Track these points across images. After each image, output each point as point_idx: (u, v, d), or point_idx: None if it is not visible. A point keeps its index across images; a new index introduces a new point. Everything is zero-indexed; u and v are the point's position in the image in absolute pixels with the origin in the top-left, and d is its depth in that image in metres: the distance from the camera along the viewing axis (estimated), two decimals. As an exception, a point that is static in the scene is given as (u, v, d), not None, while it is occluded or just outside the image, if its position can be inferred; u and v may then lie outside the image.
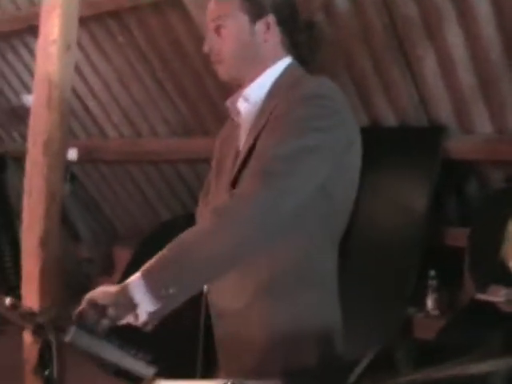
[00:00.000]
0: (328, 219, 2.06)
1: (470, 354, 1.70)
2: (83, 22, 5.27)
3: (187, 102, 5.58)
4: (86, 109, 6.30)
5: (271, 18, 2.16)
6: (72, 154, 5.94)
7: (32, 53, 5.78)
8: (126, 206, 6.80)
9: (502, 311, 3.54)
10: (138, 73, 5.67)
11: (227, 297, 2.12)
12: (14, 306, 1.84)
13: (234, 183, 2.03)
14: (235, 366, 2.13)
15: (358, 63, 4.42)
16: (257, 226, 1.88)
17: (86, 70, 5.97)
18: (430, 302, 4.42)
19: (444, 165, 4.40)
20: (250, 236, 1.89)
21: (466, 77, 4.11)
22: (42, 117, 3.75)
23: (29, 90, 6.06)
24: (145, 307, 1.83)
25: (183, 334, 3.19)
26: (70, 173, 6.33)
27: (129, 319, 1.90)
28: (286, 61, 2.20)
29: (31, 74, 4.41)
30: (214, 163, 2.35)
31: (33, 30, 4.37)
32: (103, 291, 1.88)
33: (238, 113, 2.24)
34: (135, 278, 1.84)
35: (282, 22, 2.19)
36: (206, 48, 2.23)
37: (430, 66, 4.18)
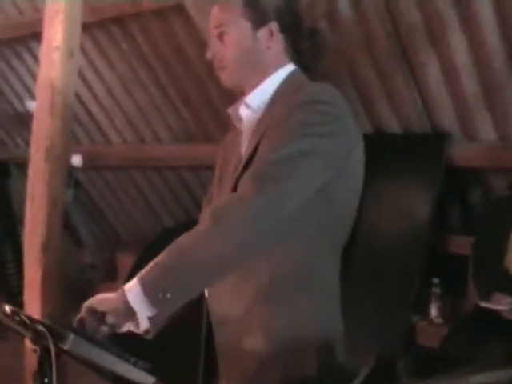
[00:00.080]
0: (329, 225, 2.05)
1: (473, 364, 1.69)
2: (87, 28, 5.29)
3: (190, 109, 5.57)
4: (90, 115, 6.30)
5: (274, 25, 2.16)
6: (76, 160, 5.95)
7: (36, 59, 5.79)
8: (129, 212, 6.80)
9: (505, 319, 3.52)
10: (142, 79, 5.67)
11: (227, 303, 2.11)
12: (14, 313, 1.83)
13: (235, 189, 2.02)
14: (235, 373, 2.13)
15: (361, 70, 4.41)
16: (252, 228, 1.87)
17: (90, 76, 5.97)
18: (433, 310, 4.40)
19: (447, 172, 4.39)
20: (245, 239, 1.88)
21: (469, 84, 4.10)
22: (45, 123, 3.75)
23: (33, 96, 6.06)
24: (143, 313, 1.83)
25: (184, 342, 3.19)
26: (73, 179, 6.35)
27: (129, 326, 1.89)
28: (288, 68, 2.20)
29: (35, 79, 4.41)
30: (216, 170, 2.34)
31: (37, 36, 4.37)
32: (102, 298, 1.88)
33: (239, 119, 2.23)
34: (132, 284, 1.84)
35: (285, 29, 2.18)
36: (208, 55, 2.23)
37: (433, 73, 4.17)
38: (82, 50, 5.60)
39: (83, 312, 1.86)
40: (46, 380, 1.74)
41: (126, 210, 6.81)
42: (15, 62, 6.49)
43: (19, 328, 1.83)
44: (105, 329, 1.83)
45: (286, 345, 2.02)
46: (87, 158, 6.10)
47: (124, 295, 1.84)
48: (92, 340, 1.76)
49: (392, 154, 4.56)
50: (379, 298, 4.29)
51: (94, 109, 6.23)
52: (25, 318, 1.77)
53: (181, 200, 6.29)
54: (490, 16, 3.77)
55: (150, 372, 1.75)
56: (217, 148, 2.43)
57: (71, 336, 1.68)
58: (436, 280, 4.40)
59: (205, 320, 2.25)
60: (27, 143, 4.09)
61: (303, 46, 2.25)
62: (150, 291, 1.82)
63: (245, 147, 2.16)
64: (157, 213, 6.57)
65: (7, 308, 1.84)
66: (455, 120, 4.32)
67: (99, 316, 1.83)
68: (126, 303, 1.83)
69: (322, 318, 2.08)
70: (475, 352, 3.38)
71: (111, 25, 5.46)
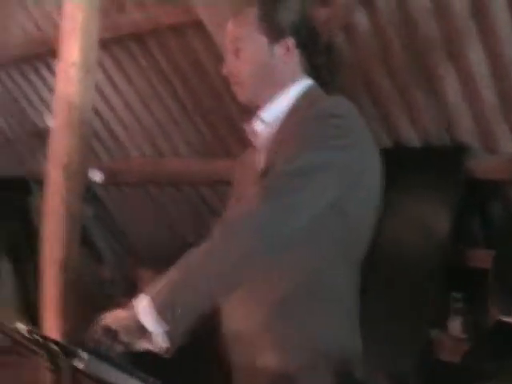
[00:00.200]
0: (344, 238, 2.03)
1: (495, 379, 1.67)
2: (105, 44, 5.32)
3: (209, 123, 5.57)
4: (109, 130, 6.31)
5: (290, 41, 2.15)
6: (96, 176, 5.96)
7: (55, 75, 5.78)
8: (149, 227, 6.80)
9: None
10: (160, 94, 5.67)
11: (241, 319, 2.10)
12: (29, 332, 1.82)
13: None
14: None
15: (378, 83, 4.39)
16: (258, 239, 1.85)
17: (109, 92, 5.99)
18: (453, 325, 4.35)
19: (467, 185, 4.35)
20: (252, 250, 1.87)
21: (488, 95, 4.06)
22: (62, 139, 3.76)
23: (52, 112, 6.08)
24: (154, 330, 1.81)
25: (199, 360, 3.17)
26: (92, 194, 6.35)
27: (146, 345, 1.88)
28: (304, 82, 2.20)
29: (54, 95, 4.43)
30: (233, 186, 2.34)
31: (55, 52, 4.39)
32: (114, 316, 1.87)
33: (255, 135, 2.23)
34: (142, 301, 1.84)
35: (301, 45, 2.18)
36: (224, 70, 2.24)
37: (451, 85, 4.13)
38: (101, 66, 5.64)
39: (97, 330, 1.85)
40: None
41: (146, 225, 6.81)
42: (34, 78, 6.52)
43: (33, 347, 1.82)
44: (119, 347, 1.82)
45: (301, 361, 2.01)
46: (107, 174, 6.11)
47: (134, 312, 1.83)
48: (106, 358, 1.75)
49: (411, 167, 4.53)
50: (398, 312, 4.25)
51: (113, 124, 6.24)
52: (38, 337, 1.76)
53: (200, 215, 6.28)
54: (509, 27, 3.74)
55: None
56: (235, 163, 2.43)
57: (85, 355, 1.67)
58: (456, 294, 4.35)
59: (219, 337, 2.23)
60: (47, 159, 4.11)
61: (319, 61, 2.25)
62: (160, 308, 1.82)
63: (261, 163, 2.15)
64: (176, 228, 6.56)
65: (22, 326, 1.83)
66: (475, 132, 4.28)
67: (112, 334, 1.82)
68: (137, 320, 1.82)
69: (337, 333, 2.06)
70: (497, 367, 3.33)
71: (129, 41, 5.47)
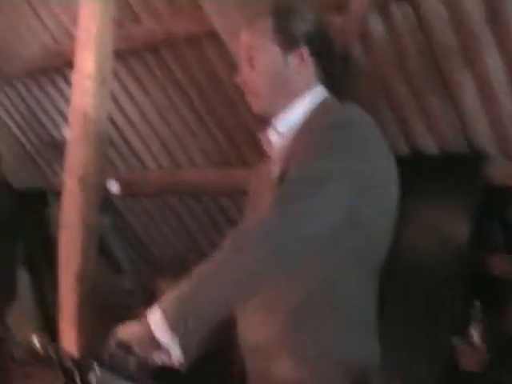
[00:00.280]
0: (358, 248, 2.01)
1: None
2: (120, 55, 5.33)
3: (225, 133, 5.56)
4: (126, 141, 6.32)
5: (305, 50, 2.14)
6: (113, 187, 5.96)
7: (71, 86, 5.81)
8: (167, 237, 6.80)
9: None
10: (176, 104, 5.67)
11: (257, 329, 2.09)
12: (43, 346, 1.82)
13: None
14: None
15: (395, 91, 4.36)
16: (270, 247, 1.83)
17: (125, 103, 5.99)
18: (474, 333, 4.31)
19: (486, 191, 4.32)
20: (264, 259, 1.84)
21: (506, 102, 4.03)
22: (78, 151, 3.77)
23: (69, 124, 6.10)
24: (167, 343, 1.80)
25: (215, 371, 3.16)
26: (110, 205, 6.35)
27: (160, 358, 1.86)
28: (318, 92, 2.18)
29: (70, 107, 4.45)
30: (249, 196, 2.34)
31: (71, 64, 4.40)
32: (128, 329, 1.86)
33: (270, 145, 2.22)
34: (154, 314, 1.82)
35: (315, 54, 2.17)
36: (238, 79, 2.23)
37: (469, 91, 4.10)
38: (116, 77, 5.65)
39: (111, 343, 1.84)
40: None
41: (164, 235, 6.81)
42: (51, 90, 6.54)
43: (47, 361, 1.81)
44: (133, 360, 1.81)
45: (317, 371, 1.99)
46: (124, 185, 6.10)
47: (147, 324, 1.82)
48: (120, 372, 1.74)
49: (429, 174, 4.50)
50: (416, 319, 4.22)
51: (130, 135, 6.25)
52: (52, 352, 1.75)
53: (218, 224, 6.27)
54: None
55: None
56: (251, 173, 2.42)
57: (98, 370, 1.65)
58: (476, 302, 4.31)
59: (235, 349, 2.21)
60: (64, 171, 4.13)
61: (334, 70, 2.24)
62: (172, 320, 1.80)
63: (275, 172, 2.14)
64: (194, 238, 6.55)
65: (36, 340, 1.82)
66: (493, 139, 4.25)
67: (126, 348, 1.80)
68: (150, 333, 1.81)
69: (353, 342, 2.04)
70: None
71: (144, 51, 5.48)
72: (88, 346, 3.55)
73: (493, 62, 3.90)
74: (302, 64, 2.15)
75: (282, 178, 2.00)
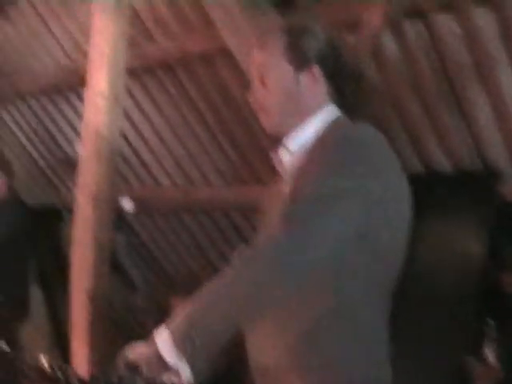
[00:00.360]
0: (371, 269, 1.97)
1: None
2: (134, 72, 5.35)
3: (238, 151, 5.56)
4: (140, 158, 6.33)
5: (316, 69, 2.12)
6: (127, 205, 5.96)
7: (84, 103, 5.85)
8: (181, 254, 6.79)
9: None
10: (190, 122, 5.68)
11: (266, 351, 2.06)
12: (50, 366, 1.81)
13: None
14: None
15: (408, 108, 4.35)
16: (276, 268, 1.81)
17: (139, 120, 6.01)
18: (488, 352, 4.27)
19: (500, 209, 4.30)
20: (270, 279, 1.82)
21: (519, 119, 4.03)
22: (91, 168, 3.77)
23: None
24: (175, 363, 1.78)
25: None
26: (125, 222, 6.35)
27: (169, 379, 1.85)
28: (330, 110, 2.16)
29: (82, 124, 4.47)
30: (261, 216, 2.32)
31: (85, 81, 4.41)
32: (136, 350, 1.85)
33: (281, 164, 2.20)
34: (161, 333, 1.81)
35: (327, 73, 2.14)
36: (250, 97, 2.22)
37: (482, 108, 4.09)
38: (130, 94, 5.66)
39: (119, 364, 1.83)
40: None
41: (178, 252, 6.80)
42: (65, 107, 6.56)
43: (54, 381, 1.80)
44: (141, 381, 1.80)
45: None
46: (138, 202, 6.10)
47: (154, 344, 1.81)
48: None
49: (443, 192, 4.48)
50: (432, 338, 4.19)
51: (144, 152, 6.26)
52: (59, 373, 1.74)
53: (231, 242, 6.26)
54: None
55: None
56: (265, 190, 2.41)
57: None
58: (490, 320, 4.27)
59: (247, 369, 2.19)
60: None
61: (346, 89, 2.21)
62: (179, 340, 1.78)
63: (287, 191, 2.12)
64: (208, 255, 6.54)
65: (44, 360, 1.81)
66: (507, 156, 4.23)
67: (135, 369, 1.79)
68: (157, 354, 1.79)
69: (363, 362, 2.00)
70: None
71: (158, 69, 5.49)
72: (100, 363, 3.54)
73: (506, 79, 3.89)
74: (313, 82, 2.13)
75: (293, 196, 1.99)
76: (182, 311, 1.83)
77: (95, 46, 3.83)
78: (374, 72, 4.26)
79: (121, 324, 6.36)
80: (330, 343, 1.96)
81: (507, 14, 3.69)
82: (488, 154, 4.29)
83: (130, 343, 1.91)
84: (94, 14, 3.96)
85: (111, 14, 3.76)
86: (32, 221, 5.62)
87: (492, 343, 4.27)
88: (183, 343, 1.78)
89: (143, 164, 6.36)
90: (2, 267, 5.11)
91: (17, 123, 7.22)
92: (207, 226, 6.34)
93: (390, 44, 4.12)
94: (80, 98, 6.20)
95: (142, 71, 5.54)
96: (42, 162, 7.35)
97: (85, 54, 5.60)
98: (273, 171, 2.40)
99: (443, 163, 4.50)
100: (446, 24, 3.86)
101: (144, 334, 1.90)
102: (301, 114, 2.14)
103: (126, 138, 6.16)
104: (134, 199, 5.95)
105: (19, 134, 7.30)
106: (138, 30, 5.22)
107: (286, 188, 2.13)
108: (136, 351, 1.84)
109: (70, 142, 6.78)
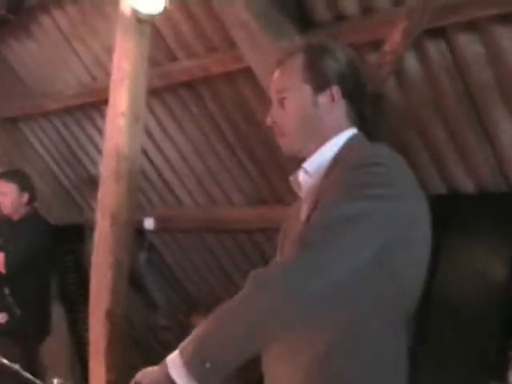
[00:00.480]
0: (386, 296, 1.93)
1: None
2: (157, 92, 5.37)
3: (261, 171, 5.55)
4: (162, 177, 6.33)
5: (336, 90, 2.10)
6: (149, 224, 5.97)
7: (107, 123, 5.87)
8: (203, 274, 6.77)
9: None
10: (212, 142, 5.67)
11: (282, 375, 2.03)
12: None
13: None
14: None
15: (430, 128, 4.32)
16: (289, 296, 1.79)
17: (161, 140, 6.02)
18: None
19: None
20: (282, 307, 1.80)
21: (543, 139, 3.98)
22: (111, 188, 3.77)
23: (104, 161, 6.13)
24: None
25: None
26: (147, 241, 6.37)
27: None
28: (349, 132, 2.14)
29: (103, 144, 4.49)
30: (279, 240, 2.31)
31: (108, 100, 4.43)
32: (147, 371, 1.85)
33: (299, 186, 2.18)
34: (173, 355, 1.81)
35: (347, 94, 2.13)
36: (268, 120, 2.21)
37: (506, 129, 4.05)
38: (153, 114, 5.68)
39: (132, 386, 1.83)
40: None
41: (200, 271, 6.78)
42: (88, 127, 6.59)
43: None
44: None
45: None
46: (160, 221, 6.12)
47: (165, 367, 1.81)
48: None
49: (465, 212, 4.43)
50: (454, 362, 4.14)
51: (166, 171, 6.26)
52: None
53: (253, 262, 6.24)
54: None
55: None
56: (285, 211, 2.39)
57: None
58: (514, 344, 4.23)
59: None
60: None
61: (366, 111, 2.19)
62: (189, 362, 1.79)
63: (304, 214, 2.10)
64: (230, 275, 6.52)
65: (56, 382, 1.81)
66: (530, 176, 4.19)
67: None
68: (167, 375, 1.79)
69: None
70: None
71: (181, 89, 5.50)
72: (117, 383, 3.52)
73: (530, 100, 3.86)
74: (332, 104, 2.11)
75: (309, 219, 1.96)
76: (194, 334, 1.83)
77: (116, 67, 3.84)
78: (395, 91, 4.23)
79: (142, 343, 6.35)
80: (345, 368, 1.93)
81: (531, 33, 3.67)
82: (511, 173, 4.24)
83: (151, 363, 1.91)
84: (116, 33, 3.97)
85: (133, 33, 3.77)
86: (53, 238, 5.64)
87: (515, 368, 4.22)
88: (194, 365, 1.78)
89: (165, 183, 6.37)
90: (22, 284, 5.14)
91: (40, 141, 7.26)
92: (229, 246, 6.33)
93: (412, 63, 4.09)
94: (103, 117, 6.22)
95: (165, 90, 5.56)
96: (65, 181, 7.38)
97: (108, 73, 5.65)
98: (293, 192, 2.38)
99: (466, 183, 4.45)
100: (469, 43, 3.83)
101: (165, 353, 1.89)
102: (320, 138, 2.13)
103: (148, 157, 6.17)
104: (157, 218, 5.97)
105: (43, 153, 7.33)
106: (161, 49, 5.24)
107: (303, 209, 2.12)
108: (146, 373, 1.85)
109: (93, 161, 6.81)
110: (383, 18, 3.99)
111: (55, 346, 6.24)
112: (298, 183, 2.17)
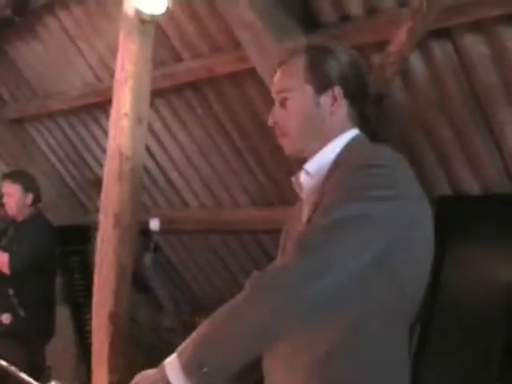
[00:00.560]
0: (387, 298, 1.91)
1: None
2: (162, 93, 5.36)
3: (266, 172, 5.54)
4: (168, 179, 6.33)
5: (338, 90, 2.09)
6: (154, 224, 5.96)
7: (112, 124, 5.86)
8: (208, 275, 6.77)
9: None
10: (217, 143, 5.66)
11: (283, 378, 2.01)
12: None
13: None
14: None
15: (436, 130, 4.29)
16: (288, 297, 1.78)
17: (167, 141, 6.01)
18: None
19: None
20: (281, 308, 1.79)
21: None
22: (114, 190, 3.76)
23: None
24: None
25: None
26: (153, 243, 6.35)
27: None
28: (351, 133, 2.12)
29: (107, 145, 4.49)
30: (281, 241, 2.30)
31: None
32: (146, 374, 1.85)
33: (301, 187, 2.17)
34: (171, 358, 1.81)
35: (349, 95, 2.11)
36: (270, 121, 2.20)
37: (511, 129, 4.03)
38: (158, 114, 5.68)
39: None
40: None
41: (205, 273, 6.78)
42: (94, 127, 6.59)
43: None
44: None
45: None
46: (165, 222, 6.11)
47: (163, 370, 1.80)
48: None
49: (472, 215, 4.41)
50: (459, 363, 4.12)
51: (172, 173, 6.25)
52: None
53: (258, 263, 6.22)
54: None
55: None
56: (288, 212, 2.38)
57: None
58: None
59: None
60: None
61: (368, 111, 2.17)
62: (186, 365, 1.78)
63: (305, 215, 2.08)
64: (235, 276, 6.51)
65: (55, 385, 1.81)
66: (536, 179, 4.17)
67: None
68: (164, 378, 1.78)
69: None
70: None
71: (186, 90, 5.49)
72: (120, 384, 3.52)
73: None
74: (334, 104, 2.09)
75: (309, 220, 1.95)
76: (193, 336, 1.82)
77: (120, 68, 3.83)
78: (400, 92, 4.21)
79: (146, 344, 6.34)
80: (346, 369, 1.91)
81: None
82: (518, 176, 4.22)
83: (155, 364, 1.90)
84: (119, 34, 3.96)
85: (136, 34, 3.76)
86: (58, 239, 5.64)
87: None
88: (190, 369, 1.77)
89: (171, 184, 6.36)
90: (26, 285, 5.13)
91: (46, 142, 7.26)
92: (234, 247, 6.32)
93: (417, 64, 4.07)
94: (108, 118, 6.21)
95: (170, 91, 5.55)
96: (71, 182, 7.38)
97: (113, 74, 5.64)
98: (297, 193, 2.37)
99: (472, 184, 4.43)
100: (475, 44, 3.81)
101: (169, 354, 1.88)
102: (321, 138, 2.11)
103: (153, 158, 6.17)
104: (162, 220, 5.96)
105: (49, 153, 7.33)
106: (166, 50, 5.23)
107: (304, 211, 2.10)
108: (144, 376, 1.84)
109: (98, 162, 6.81)
110: (388, 19, 3.97)
111: (60, 347, 6.23)
112: (300, 184, 2.16)
